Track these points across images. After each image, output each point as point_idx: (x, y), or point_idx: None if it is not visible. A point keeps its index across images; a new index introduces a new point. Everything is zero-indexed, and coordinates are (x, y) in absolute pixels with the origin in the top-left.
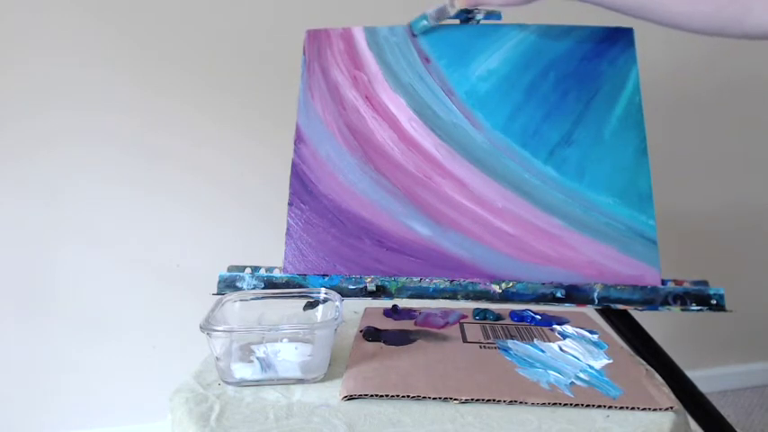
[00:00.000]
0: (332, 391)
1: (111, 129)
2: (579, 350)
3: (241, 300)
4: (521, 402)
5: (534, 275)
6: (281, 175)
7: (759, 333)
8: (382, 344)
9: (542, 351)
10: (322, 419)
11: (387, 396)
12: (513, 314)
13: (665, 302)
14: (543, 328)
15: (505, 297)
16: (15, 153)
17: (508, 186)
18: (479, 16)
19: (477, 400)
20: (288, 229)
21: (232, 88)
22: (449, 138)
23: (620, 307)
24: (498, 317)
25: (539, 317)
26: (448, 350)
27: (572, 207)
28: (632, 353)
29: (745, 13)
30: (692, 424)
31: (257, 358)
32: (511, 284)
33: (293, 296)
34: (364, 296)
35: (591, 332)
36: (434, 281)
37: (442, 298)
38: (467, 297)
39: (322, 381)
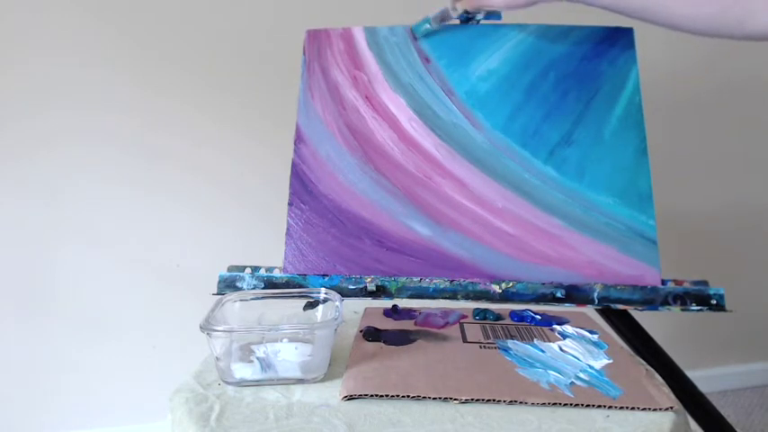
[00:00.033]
0: (332, 391)
1: (111, 129)
2: (579, 350)
3: (241, 300)
4: (521, 402)
5: (534, 275)
6: (281, 175)
7: (759, 333)
8: (382, 344)
9: (542, 351)
10: (322, 419)
11: (387, 396)
12: (513, 314)
13: (665, 302)
14: (543, 328)
15: (505, 297)
16: (15, 153)
17: (508, 186)
18: (479, 16)
19: (477, 400)
20: (288, 229)
21: (232, 88)
22: (449, 138)
23: (620, 307)
24: (498, 317)
25: (539, 317)
26: (448, 350)
27: (572, 207)
28: (632, 353)
29: (748, 14)
30: (692, 424)
31: (257, 358)
32: (511, 284)
33: (293, 296)
34: (364, 296)
35: (591, 332)
36: (434, 281)
37: (442, 298)
38: (467, 297)
39: (322, 381)
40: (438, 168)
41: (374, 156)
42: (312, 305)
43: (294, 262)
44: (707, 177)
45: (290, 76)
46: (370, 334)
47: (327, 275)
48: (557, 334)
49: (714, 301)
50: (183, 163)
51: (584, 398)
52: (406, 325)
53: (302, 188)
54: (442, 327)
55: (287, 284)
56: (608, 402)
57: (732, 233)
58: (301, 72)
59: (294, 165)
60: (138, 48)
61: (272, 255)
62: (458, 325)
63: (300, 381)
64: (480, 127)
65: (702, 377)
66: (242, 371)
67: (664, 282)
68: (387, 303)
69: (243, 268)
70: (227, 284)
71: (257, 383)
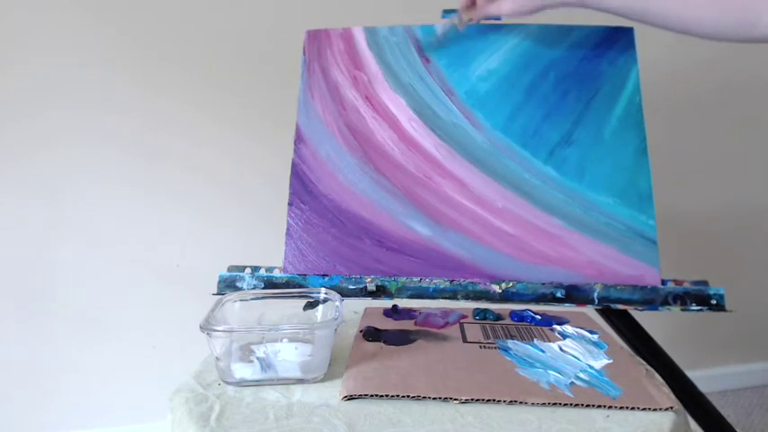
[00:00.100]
0: (332, 391)
1: (111, 129)
2: (579, 350)
3: (241, 300)
4: (521, 402)
5: (534, 275)
6: (281, 175)
7: (759, 333)
8: (382, 344)
9: (542, 351)
10: (322, 419)
11: (387, 396)
12: (513, 314)
13: (665, 302)
14: (543, 328)
15: (505, 297)
16: (15, 153)
17: (508, 186)
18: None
19: (477, 400)
20: (288, 229)
21: (232, 88)
22: (449, 138)
23: (620, 307)
24: (498, 317)
25: (539, 317)
26: (448, 350)
27: (572, 207)
28: (632, 353)
29: (756, 17)
30: (692, 424)
31: (257, 358)
32: (511, 284)
33: (293, 296)
34: (364, 296)
35: (591, 332)
36: (434, 281)
37: (442, 298)
38: (467, 297)
39: (322, 381)
40: (438, 168)
41: (374, 156)
42: (312, 305)
43: (294, 262)
44: (707, 177)
45: (290, 76)
46: (370, 334)
47: (327, 275)
48: (557, 334)
49: (714, 301)
50: (183, 163)
51: (584, 398)
52: (406, 325)
53: (302, 188)
54: (442, 327)
55: (287, 284)
56: (608, 402)
57: (732, 233)
58: (301, 72)
59: (294, 165)
60: (138, 48)
61: (272, 255)
62: (458, 325)
63: (300, 381)
64: (480, 127)
65: (702, 377)
66: (242, 371)
67: (664, 282)
68: (387, 303)
69: (243, 268)
70: (227, 284)
71: (257, 383)
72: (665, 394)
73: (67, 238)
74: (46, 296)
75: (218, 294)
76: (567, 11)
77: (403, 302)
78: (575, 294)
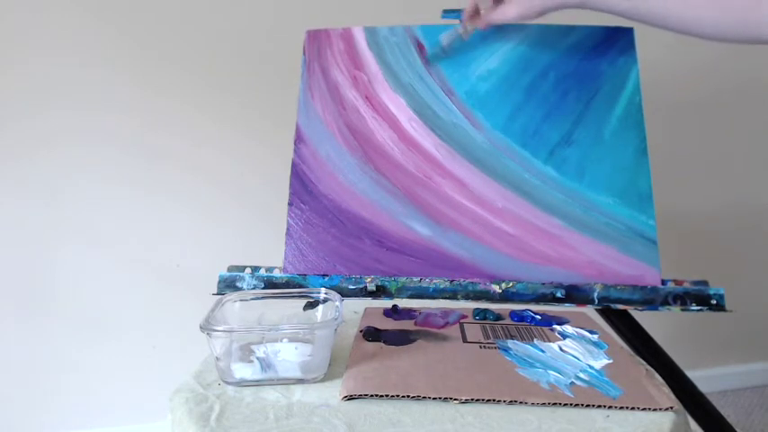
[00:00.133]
0: (332, 391)
1: (111, 129)
2: (579, 350)
3: (241, 300)
4: (521, 402)
5: (534, 275)
6: (281, 175)
7: (759, 333)
8: (382, 344)
9: (542, 351)
10: (322, 419)
11: (387, 396)
12: (513, 314)
13: (665, 302)
14: (543, 328)
15: (505, 297)
16: (15, 153)
17: (508, 186)
18: None
19: (477, 400)
20: (288, 229)
21: (232, 88)
22: (449, 138)
23: (620, 307)
24: (498, 317)
25: (539, 317)
26: (448, 350)
27: (572, 207)
28: (632, 353)
29: (759, 18)
30: (692, 424)
31: (257, 358)
32: (511, 284)
33: (293, 296)
34: (364, 296)
35: (591, 332)
36: (434, 281)
37: (442, 298)
38: (467, 297)
39: (322, 381)
40: (438, 168)
41: (374, 156)
42: (312, 305)
43: (294, 262)
44: (707, 177)
45: (290, 76)
46: (370, 334)
47: (327, 275)
48: (557, 334)
49: (714, 301)
50: (183, 163)
51: (584, 398)
52: (406, 325)
53: (302, 188)
54: (442, 327)
55: (287, 284)
56: (608, 402)
57: (732, 233)
58: (301, 72)
59: (294, 165)
60: (138, 48)
61: (272, 255)
62: (458, 325)
63: (300, 381)
64: (480, 127)
65: (702, 377)
66: (242, 371)
67: (664, 282)
68: (387, 303)
69: (243, 268)
70: (227, 284)
71: (257, 383)
72: (665, 394)
73: (67, 238)
74: (46, 296)
75: (218, 294)
76: (566, 11)
77: (403, 302)
78: (575, 294)
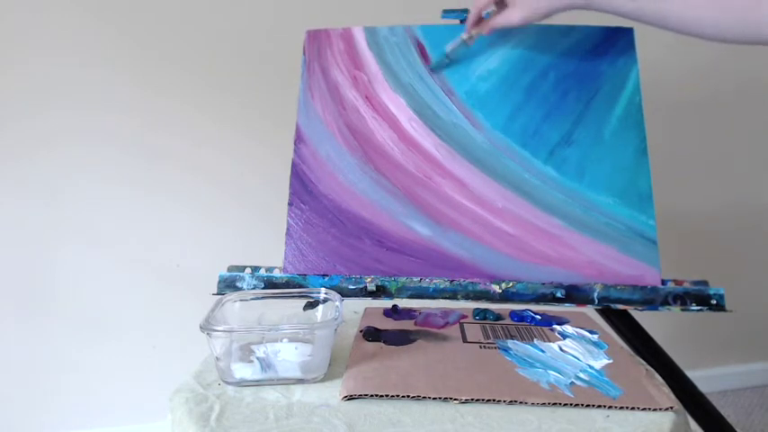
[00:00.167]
0: (332, 391)
1: (111, 129)
2: (579, 350)
3: (241, 300)
4: (521, 402)
5: (534, 275)
6: (281, 175)
7: (759, 333)
8: (382, 344)
9: (542, 351)
10: (322, 419)
11: (387, 396)
12: (513, 314)
13: (665, 302)
14: (543, 328)
15: (505, 297)
16: (15, 153)
17: (508, 186)
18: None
19: (477, 400)
20: (288, 229)
21: (232, 88)
22: (449, 138)
23: (620, 307)
24: (498, 317)
25: (539, 317)
26: (448, 350)
27: (572, 207)
28: (632, 353)
29: (759, 18)
30: (692, 424)
31: (257, 358)
32: (511, 284)
33: (293, 296)
34: (364, 296)
35: (591, 332)
36: (434, 281)
37: (442, 298)
38: (467, 297)
39: (322, 381)
40: (438, 168)
41: (374, 156)
42: (312, 305)
43: (294, 262)
44: (707, 177)
45: (290, 76)
46: (370, 334)
47: (327, 275)
48: (557, 334)
49: (714, 301)
50: (183, 163)
51: (584, 398)
52: (406, 325)
53: (302, 188)
54: (442, 327)
55: (287, 284)
56: (608, 402)
57: (732, 233)
58: (301, 72)
59: (294, 165)
60: (138, 48)
61: (272, 255)
62: (458, 325)
63: (300, 381)
64: (480, 127)
65: (702, 377)
66: (242, 371)
67: (664, 282)
68: (387, 303)
69: (243, 268)
70: (227, 284)
71: (257, 383)
72: (665, 394)
73: (67, 238)
74: (46, 296)
75: (218, 294)
76: (566, 11)
77: (403, 302)
78: (575, 294)
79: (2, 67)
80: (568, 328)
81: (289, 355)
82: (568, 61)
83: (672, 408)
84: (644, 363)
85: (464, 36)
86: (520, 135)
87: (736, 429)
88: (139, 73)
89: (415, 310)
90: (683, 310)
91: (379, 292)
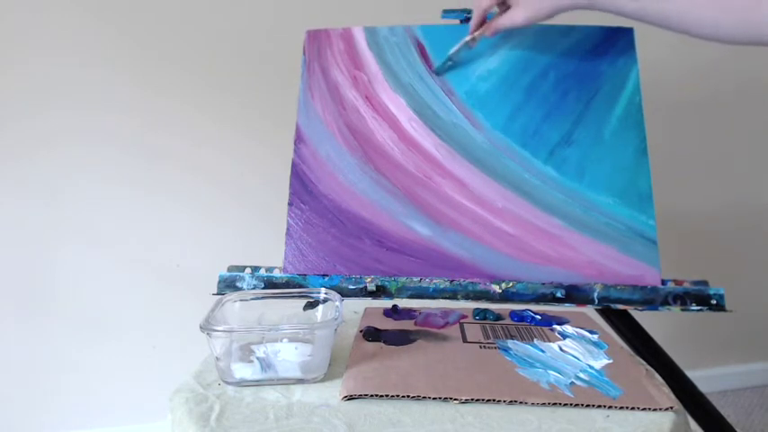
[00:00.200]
0: (332, 391)
1: (111, 129)
2: (579, 350)
3: (241, 300)
4: (521, 402)
5: (534, 275)
6: (281, 175)
7: (759, 333)
8: (382, 344)
9: (542, 351)
10: (322, 419)
11: (387, 396)
12: (513, 314)
13: (665, 302)
14: (543, 328)
15: (505, 297)
16: (15, 153)
17: (508, 186)
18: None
19: (477, 400)
20: (288, 229)
21: (232, 88)
22: (449, 138)
23: (620, 307)
24: (498, 317)
25: (539, 317)
26: (448, 350)
27: (572, 207)
28: (632, 353)
29: (759, 18)
30: (692, 424)
31: (257, 358)
32: (511, 284)
33: (293, 296)
34: (364, 296)
35: (591, 332)
36: (434, 281)
37: (442, 298)
38: (467, 297)
39: (322, 381)
40: (438, 168)
41: (374, 156)
42: (312, 305)
43: (294, 262)
44: (707, 177)
45: (290, 76)
46: (370, 334)
47: (327, 275)
48: (557, 334)
49: (714, 301)
50: (183, 163)
51: (584, 398)
52: (406, 325)
53: (302, 188)
54: (442, 327)
55: (287, 284)
56: (608, 402)
57: (732, 233)
58: (301, 72)
59: (294, 165)
60: (138, 48)
61: (272, 255)
62: (458, 325)
63: (300, 381)
64: (480, 127)
65: (702, 377)
66: (242, 371)
67: (664, 282)
68: (387, 303)
69: (243, 268)
70: (227, 284)
71: (257, 383)
72: (665, 394)
73: (67, 238)
74: (46, 296)
75: (218, 294)
76: (566, 12)
77: (403, 302)
78: (575, 294)
79: (2, 67)
80: (568, 328)
81: (289, 355)
82: (568, 61)
83: (672, 408)
84: (644, 363)
85: (467, 38)
86: (520, 135)
87: (736, 429)
88: (139, 73)
89: (415, 310)
90: (683, 310)
91: (379, 292)
